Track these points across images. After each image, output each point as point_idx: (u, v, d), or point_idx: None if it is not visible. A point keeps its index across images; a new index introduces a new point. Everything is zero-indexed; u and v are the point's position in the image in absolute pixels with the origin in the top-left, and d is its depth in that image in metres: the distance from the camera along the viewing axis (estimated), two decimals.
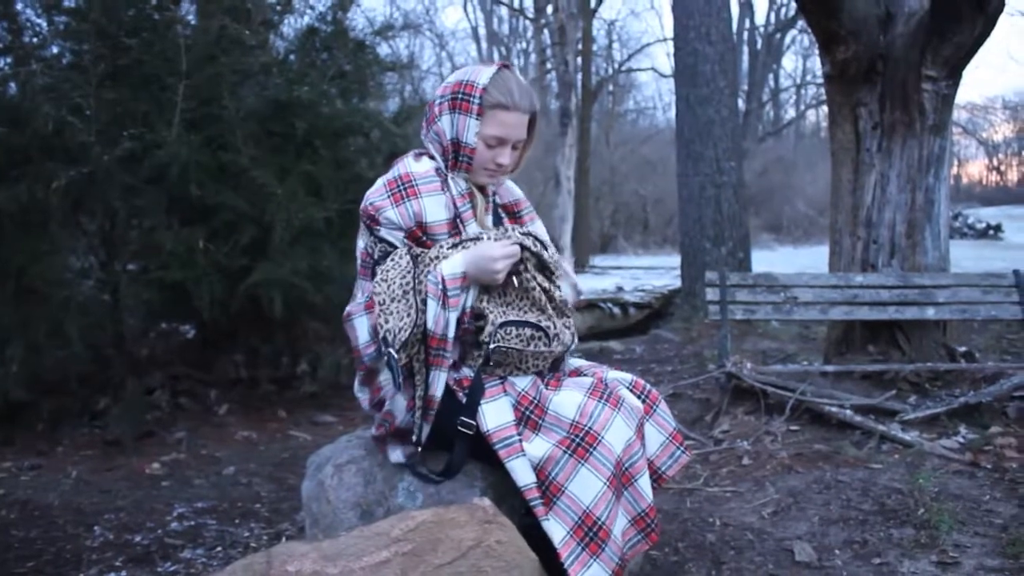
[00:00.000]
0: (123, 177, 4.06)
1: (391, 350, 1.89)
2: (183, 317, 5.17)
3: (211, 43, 4.48)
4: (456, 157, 2.09)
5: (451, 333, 1.94)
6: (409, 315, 1.90)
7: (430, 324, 1.92)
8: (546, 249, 2.08)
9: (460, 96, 2.05)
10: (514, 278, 2.01)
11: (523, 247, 2.01)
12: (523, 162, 2.22)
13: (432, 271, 1.95)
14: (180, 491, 3.65)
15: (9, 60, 4.59)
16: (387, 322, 1.91)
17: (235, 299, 4.36)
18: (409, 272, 1.95)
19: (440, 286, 1.92)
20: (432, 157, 2.14)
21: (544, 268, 2.07)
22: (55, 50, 4.56)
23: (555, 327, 2.05)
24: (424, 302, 1.92)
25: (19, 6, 4.62)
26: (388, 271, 1.96)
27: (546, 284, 2.06)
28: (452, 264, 1.95)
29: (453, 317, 1.94)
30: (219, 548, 3.01)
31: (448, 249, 2.00)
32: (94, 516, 3.28)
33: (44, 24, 4.57)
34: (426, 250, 2.01)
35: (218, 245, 4.32)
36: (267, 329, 4.93)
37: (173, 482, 3.78)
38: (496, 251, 1.95)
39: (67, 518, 3.24)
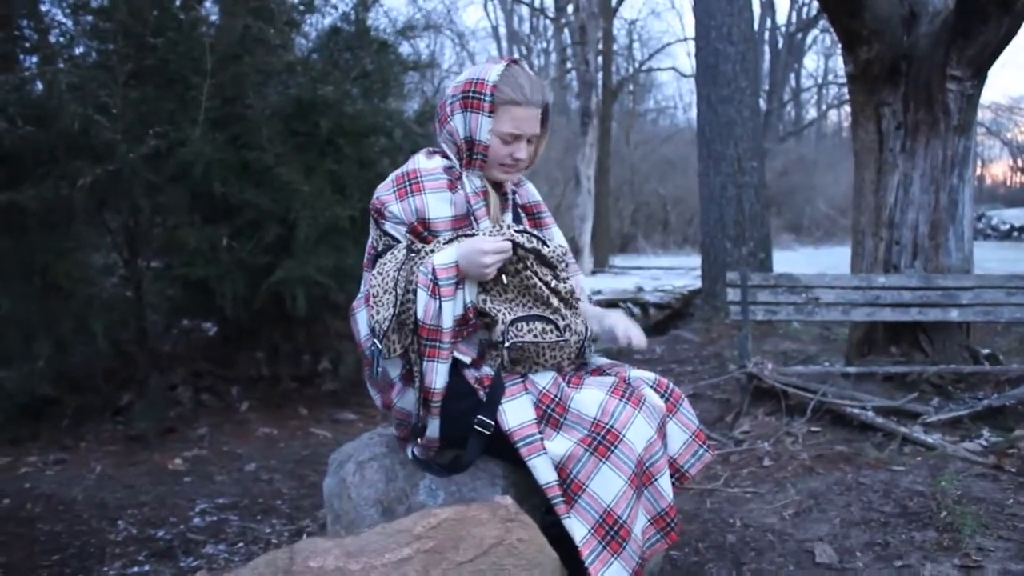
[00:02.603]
0: (148, 175, 4.10)
1: (375, 340, 1.94)
2: (206, 314, 5.22)
3: (235, 42, 4.51)
4: (471, 155, 2.10)
5: (444, 323, 1.94)
6: (394, 305, 1.93)
7: (420, 314, 1.93)
8: (545, 244, 2.07)
9: (471, 95, 2.07)
10: (503, 276, 2.02)
11: (516, 244, 2.01)
12: (538, 156, 2.23)
13: (424, 262, 1.97)
14: (202, 487, 3.68)
15: (35, 59, 4.65)
16: (377, 313, 1.95)
17: (258, 297, 4.40)
18: (401, 264, 1.97)
19: (430, 276, 1.93)
20: (445, 156, 2.15)
21: (546, 263, 2.07)
22: (81, 49, 4.62)
23: (564, 318, 2.06)
24: (411, 292, 1.94)
25: (45, 6, 4.68)
26: (385, 264, 2.00)
27: (548, 278, 2.06)
28: (444, 255, 1.97)
29: (447, 307, 1.94)
30: (241, 544, 3.04)
31: (444, 244, 2.02)
32: (117, 511, 3.31)
33: (70, 23, 4.63)
34: (424, 245, 2.03)
35: (241, 243, 4.35)
36: (289, 327, 4.97)
37: (195, 478, 3.81)
38: (486, 245, 1.95)
39: (91, 512, 3.29)
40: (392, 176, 2.11)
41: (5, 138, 3.84)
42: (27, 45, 4.63)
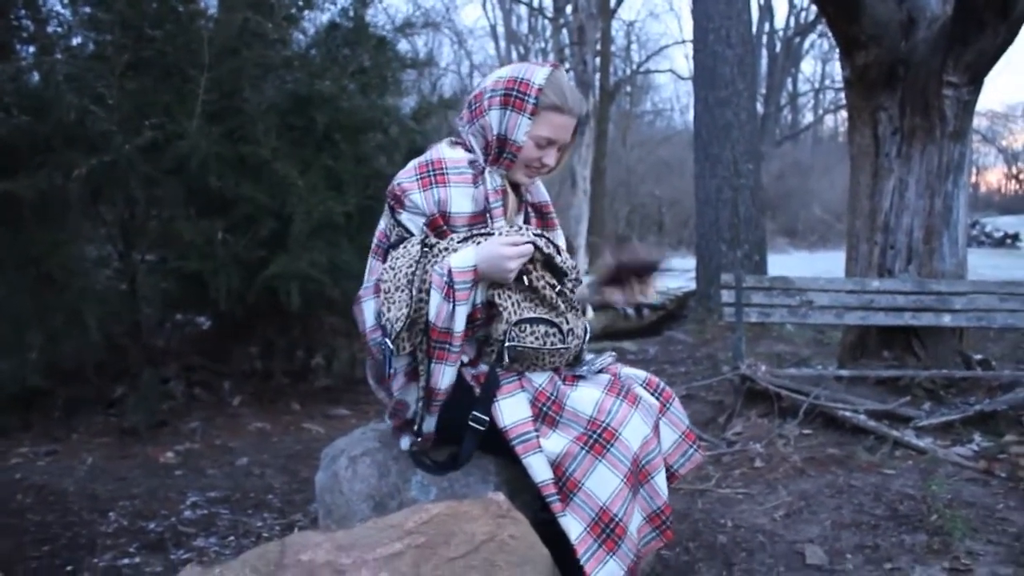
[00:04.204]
0: (143, 167, 4.09)
1: (387, 339, 1.91)
2: (199, 308, 5.20)
3: (234, 36, 4.50)
4: (500, 153, 2.07)
5: (456, 327, 1.92)
6: (408, 305, 1.90)
7: (431, 316, 1.91)
8: (558, 253, 2.07)
9: (515, 93, 2.03)
10: (524, 277, 2.00)
11: (535, 247, 2.00)
12: (562, 164, 2.21)
13: (440, 262, 1.94)
14: (194, 480, 3.67)
15: (33, 49, 4.63)
16: (388, 310, 1.92)
17: (252, 291, 4.39)
18: (416, 262, 1.94)
19: (446, 278, 1.91)
20: (467, 148, 2.12)
21: (553, 268, 2.06)
22: (79, 40, 4.60)
23: (568, 323, 2.05)
24: (424, 292, 1.92)
25: None
26: (397, 259, 1.96)
27: (554, 282, 2.05)
28: (463, 257, 1.94)
29: (460, 311, 1.92)
30: (232, 537, 3.03)
31: (458, 243, 1.99)
32: (109, 503, 3.31)
33: (69, 14, 4.61)
34: (439, 240, 2.01)
35: (236, 237, 4.34)
36: (283, 322, 4.96)
37: (187, 471, 3.81)
38: (509, 250, 1.93)
39: (82, 504, 3.28)
40: (415, 164, 2.07)
41: (1, 128, 3.83)
42: (24, 35, 4.61)
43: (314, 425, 4.61)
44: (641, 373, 2.19)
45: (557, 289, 2.05)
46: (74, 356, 4.31)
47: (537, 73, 2.04)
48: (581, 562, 1.85)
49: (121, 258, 4.80)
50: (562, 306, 2.04)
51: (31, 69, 4.36)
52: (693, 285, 9.38)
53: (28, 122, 3.90)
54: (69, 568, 2.71)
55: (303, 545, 1.76)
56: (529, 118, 2.03)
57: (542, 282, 2.02)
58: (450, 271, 1.91)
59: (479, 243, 1.98)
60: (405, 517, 1.81)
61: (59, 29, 4.59)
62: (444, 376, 1.97)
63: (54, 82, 4.05)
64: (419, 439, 2.07)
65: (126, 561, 2.79)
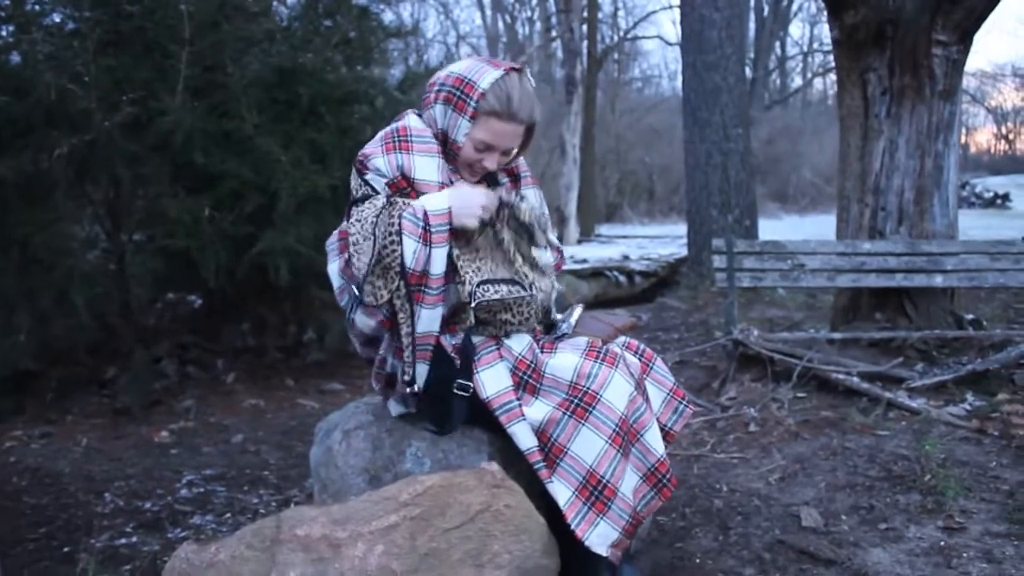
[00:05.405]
0: (126, 145, 4.04)
1: (355, 287, 1.95)
2: (190, 286, 5.18)
3: (214, 10, 4.43)
4: (443, 147, 2.07)
5: (435, 269, 1.92)
6: (372, 250, 1.90)
7: (409, 262, 1.89)
8: (522, 213, 2.06)
9: (457, 93, 2.00)
10: (489, 228, 2.01)
11: (504, 202, 2.02)
12: (512, 162, 2.20)
13: (409, 209, 1.92)
14: (189, 459, 3.67)
15: (11, 28, 4.56)
16: (358, 260, 1.92)
17: (241, 268, 4.36)
18: (381, 209, 1.93)
19: (421, 223, 1.90)
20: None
21: (520, 227, 2.05)
22: (57, 18, 4.53)
23: (528, 276, 2.05)
24: (395, 235, 1.90)
25: None
26: (363, 210, 1.95)
27: (519, 241, 2.06)
28: (437, 201, 1.95)
29: (437, 253, 1.92)
30: (228, 515, 3.03)
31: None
32: (104, 483, 3.30)
33: None
34: (403, 198, 1.99)
35: (223, 213, 4.30)
36: (273, 297, 4.94)
37: (182, 450, 3.80)
38: (479, 198, 1.97)
39: (78, 485, 3.27)
40: (381, 133, 2.07)
41: None
42: (2, 14, 4.54)
43: (308, 400, 4.61)
44: (620, 338, 2.20)
45: (519, 248, 2.05)
46: (65, 337, 4.29)
47: (486, 76, 1.99)
48: (572, 527, 1.86)
49: (109, 238, 4.76)
50: (519, 262, 2.04)
51: (10, 49, 4.29)
52: (685, 251, 9.37)
53: (8, 102, 3.85)
54: (66, 549, 2.71)
55: (299, 520, 1.76)
56: (469, 120, 2.00)
57: (504, 236, 2.03)
58: (426, 214, 1.91)
59: (452, 189, 2.00)
60: (400, 489, 1.81)
61: (37, 7, 4.51)
62: (431, 320, 1.95)
63: (33, 61, 3.99)
64: (407, 390, 2.04)
65: (123, 541, 2.79)
